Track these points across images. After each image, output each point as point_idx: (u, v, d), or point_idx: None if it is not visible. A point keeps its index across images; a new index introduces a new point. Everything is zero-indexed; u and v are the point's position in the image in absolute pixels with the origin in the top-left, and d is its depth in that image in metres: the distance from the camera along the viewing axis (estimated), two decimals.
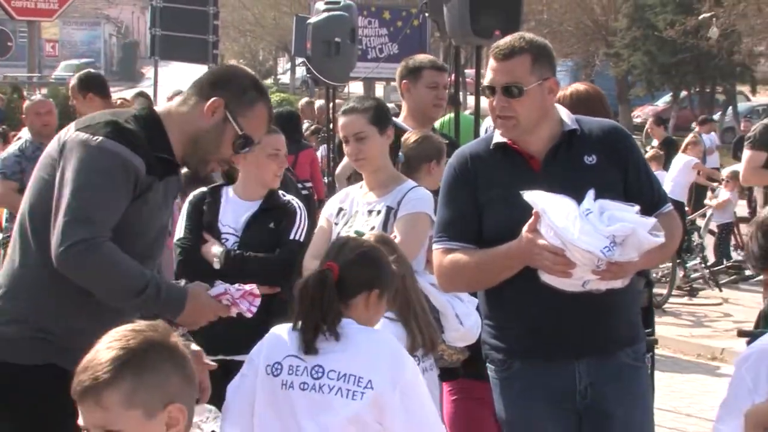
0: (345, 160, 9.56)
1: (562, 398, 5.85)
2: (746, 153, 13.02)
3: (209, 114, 5.42)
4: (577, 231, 5.41)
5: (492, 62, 5.86)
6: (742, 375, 5.99)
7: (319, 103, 23.00)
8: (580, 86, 8.23)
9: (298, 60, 40.34)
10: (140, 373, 3.33)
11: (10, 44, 38.65)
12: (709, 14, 49.76)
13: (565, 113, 5.99)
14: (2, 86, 28.59)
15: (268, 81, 76.95)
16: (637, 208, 5.56)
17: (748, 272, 19.33)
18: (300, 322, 5.10)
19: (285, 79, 74.31)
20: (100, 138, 5.17)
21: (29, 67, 29.98)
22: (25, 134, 12.57)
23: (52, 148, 5.42)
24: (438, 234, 6.01)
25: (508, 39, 5.88)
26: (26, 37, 31.22)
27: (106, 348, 3.38)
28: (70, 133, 5.32)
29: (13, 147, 11.86)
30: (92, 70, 15.06)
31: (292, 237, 7.77)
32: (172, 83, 24.38)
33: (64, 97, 12.90)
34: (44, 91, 29.71)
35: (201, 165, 5.69)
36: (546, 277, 5.58)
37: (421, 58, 9.74)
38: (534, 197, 5.47)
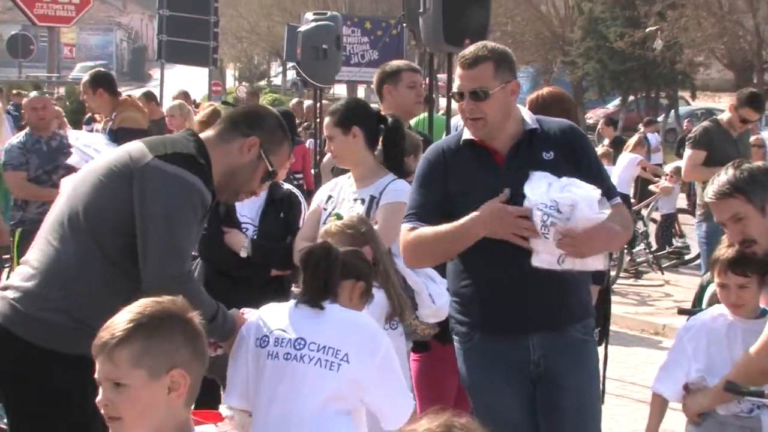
0: (328, 155, 9.59)
1: (517, 368, 5.89)
2: (687, 152, 13.09)
3: (246, 151, 5.44)
4: (530, 190, 5.60)
5: (459, 70, 5.94)
6: (684, 344, 6.07)
7: (307, 102, 22.98)
8: (556, 89, 8.52)
9: (289, 64, 40.21)
10: (151, 338, 3.38)
11: (32, 47, 38.56)
12: (654, 28, 49.94)
13: (527, 114, 6.04)
14: (25, 85, 28.42)
15: (262, 83, 76.94)
16: (599, 191, 5.66)
17: (687, 257, 19.47)
18: (302, 290, 5.15)
19: (277, 81, 74.17)
20: (182, 170, 5.15)
21: (49, 68, 29.97)
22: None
23: (118, 158, 5.33)
24: (407, 215, 6.04)
25: (472, 48, 5.94)
26: (47, 41, 31.15)
27: (127, 311, 3.45)
28: (143, 154, 5.23)
29: (14, 140, 11.65)
30: (102, 69, 14.90)
31: (300, 225, 7.76)
32: (177, 83, 24.31)
33: (80, 95, 12.82)
34: (62, 89, 29.63)
35: (232, 196, 5.74)
36: (533, 258, 5.68)
37: (397, 62, 9.70)
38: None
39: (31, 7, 24.73)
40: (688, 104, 58.69)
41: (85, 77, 13.01)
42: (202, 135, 5.52)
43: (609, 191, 6.02)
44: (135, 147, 5.35)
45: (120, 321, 3.43)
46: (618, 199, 6.08)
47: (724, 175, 5.89)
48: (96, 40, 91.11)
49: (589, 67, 55.18)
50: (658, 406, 6.24)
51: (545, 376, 5.87)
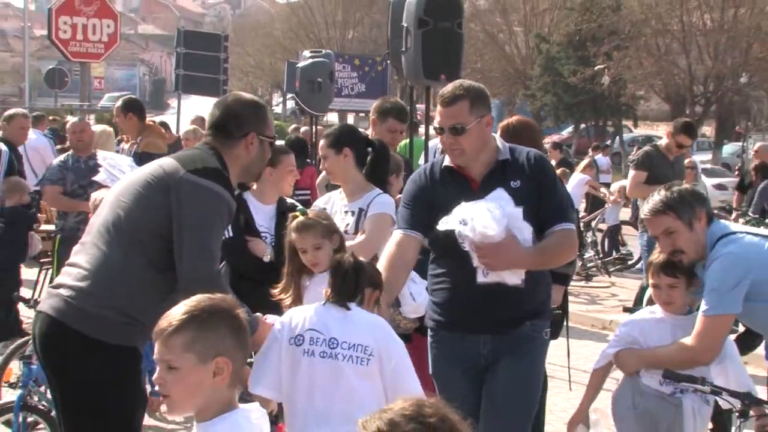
0: (323, 172, 9.63)
1: (470, 362, 5.97)
2: (631, 172, 13.19)
3: (250, 147, 5.55)
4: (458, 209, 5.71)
5: (439, 107, 5.92)
6: (625, 332, 6.12)
7: (304, 128, 22.95)
8: (524, 118, 8.59)
9: (288, 95, 40.22)
10: (201, 329, 3.47)
11: (67, 79, 38.79)
12: (602, 66, 50.03)
13: (501, 144, 6.01)
14: (60, 112, 28.50)
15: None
16: (519, 210, 5.78)
17: (630, 263, 19.56)
18: (333, 293, 5.16)
19: (277, 109, 73.96)
20: (213, 182, 5.25)
21: (81, 98, 29.77)
22: None
23: (154, 172, 5.40)
24: (399, 226, 6.14)
25: (450, 88, 5.94)
26: (79, 74, 30.97)
27: (183, 304, 3.54)
28: (176, 168, 5.31)
29: (57, 159, 11.69)
30: (133, 96, 14.99)
31: None
32: (192, 111, 24.32)
33: (108, 121, 12.77)
34: (92, 116, 29.78)
35: (255, 178, 6.02)
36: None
37: (390, 105, 9.71)
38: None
39: (66, 45, 24.65)
40: (631, 131, 58.90)
41: (119, 102, 13.12)
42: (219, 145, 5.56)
43: (562, 218, 6.01)
44: (167, 162, 5.43)
45: (176, 312, 3.50)
46: (566, 225, 6.01)
47: (657, 195, 5.98)
48: (121, 73, 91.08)
49: (546, 99, 55.37)
50: (593, 384, 6.27)
51: (493, 365, 5.91)
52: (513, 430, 6.04)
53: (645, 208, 6.08)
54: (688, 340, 5.79)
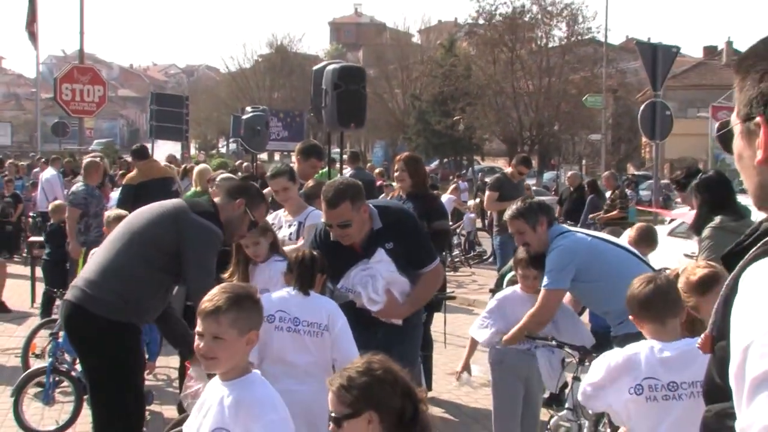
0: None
1: (373, 345, 5.76)
2: (487, 192, 13.31)
3: (237, 208, 5.53)
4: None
5: (325, 207, 5.58)
6: (493, 309, 6.15)
7: (246, 164, 22.83)
8: (411, 153, 8.71)
9: (232, 139, 40.11)
10: (240, 309, 3.42)
11: (68, 130, 38.50)
12: (458, 117, 50.68)
13: (375, 217, 5.71)
14: (64, 153, 28.08)
15: (213, 151, 76.23)
16: (386, 278, 5.65)
17: (484, 258, 19.75)
18: (297, 283, 5.08)
19: (223, 150, 73.48)
20: (211, 225, 5.34)
21: (78, 143, 29.55)
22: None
23: (166, 205, 5.48)
24: None
25: (332, 193, 5.53)
26: (77, 126, 30.58)
27: (223, 291, 3.46)
28: (184, 208, 5.40)
29: (81, 188, 11.19)
30: (140, 145, 14.69)
31: None
32: (162, 151, 24.02)
33: (90, 161, 12.39)
34: (87, 157, 29.56)
35: (230, 238, 5.70)
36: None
37: (312, 147, 9.60)
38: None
39: (68, 105, 24.66)
40: (479, 164, 59.42)
41: (132, 150, 13.44)
42: (216, 200, 5.72)
43: (428, 258, 5.91)
44: (178, 202, 5.65)
45: (221, 296, 3.42)
46: (430, 266, 5.90)
47: (515, 206, 6.11)
48: (106, 125, 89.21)
49: (419, 141, 55.80)
50: (472, 346, 6.33)
51: (381, 347, 5.84)
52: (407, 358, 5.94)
53: (507, 214, 6.19)
54: (531, 312, 5.89)
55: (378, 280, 5.62)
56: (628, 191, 18.72)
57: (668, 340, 4.06)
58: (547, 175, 49.90)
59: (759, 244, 1.55)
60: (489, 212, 13.56)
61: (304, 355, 4.97)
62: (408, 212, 6.12)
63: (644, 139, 52.48)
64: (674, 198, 28.23)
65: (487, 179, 21.89)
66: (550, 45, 53.10)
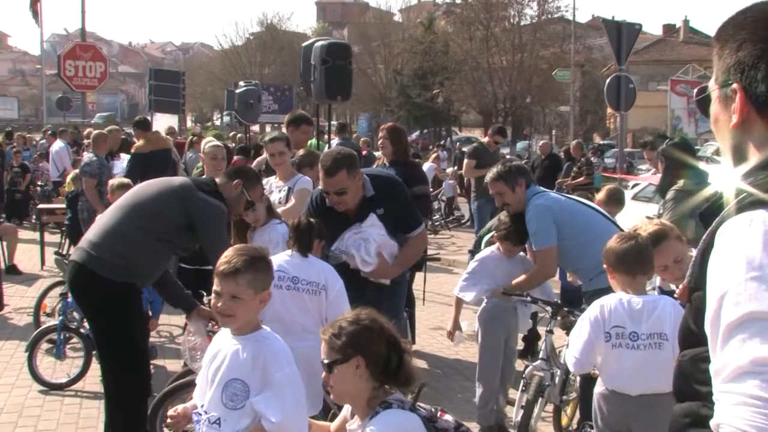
0: (256, 161, 9.82)
1: (368, 299, 5.74)
2: (466, 160, 13.27)
3: (234, 189, 5.55)
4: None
5: (323, 175, 5.55)
6: (477, 264, 6.17)
7: (239, 134, 22.74)
8: (395, 124, 8.63)
9: (226, 112, 39.95)
10: (256, 270, 3.42)
11: (72, 104, 37.97)
12: (437, 90, 50.57)
13: (368, 185, 5.69)
14: (68, 125, 27.74)
15: (208, 123, 75.82)
16: (377, 241, 5.66)
17: (462, 221, 19.77)
18: (296, 246, 5.11)
19: (216, 122, 73.05)
20: (217, 201, 5.37)
21: (82, 116, 29.34)
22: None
23: (173, 181, 5.57)
24: None
25: (329, 162, 5.52)
26: (80, 100, 30.31)
27: (240, 253, 3.44)
28: (191, 190, 5.38)
29: (92, 159, 11.07)
30: (143, 116, 14.55)
31: None
32: (161, 124, 23.77)
33: (98, 133, 12.20)
34: (88, 129, 29.39)
35: (229, 216, 5.66)
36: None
37: (300, 115, 9.55)
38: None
39: (71, 80, 24.40)
40: (457, 134, 59.23)
41: (135, 122, 13.27)
42: (217, 180, 5.70)
43: (414, 224, 5.93)
44: (185, 182, 5.59)
45: (238, 258, 3.41)
46: (416, 231, 5.92)
47: (495, 169, 6.11)
48: (107, 99, 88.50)
49: (400, 113, 55.22)
50: (458, 306, 6.35)
51: (370, 304, 5.79)
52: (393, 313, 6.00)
53: (488, 177, 6.18)
54: (534, 270, 5.98)
55: (370, 243, 5.64)
56: (593, 159, 18.76)
57: (635, 294, 4.20)
58: (520, 145, 49.70)
59: (733, 202, 1.56)
60: (467, 179, 13.46)
61: (302, 313, 4.99)
62: (397, 180, 6.08)
63: (609, 111, 52.49)
64: (637, 165, 28.37)
65: (465, 148, 21.92)
66: (522, 23, 53.11)
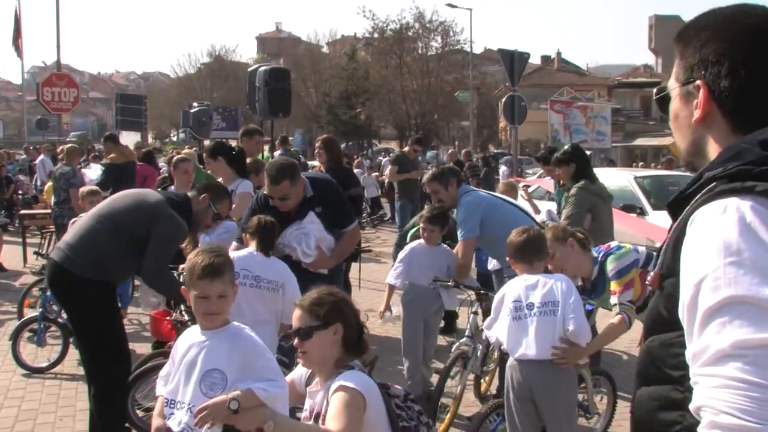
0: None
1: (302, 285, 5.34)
2: (389, 167, 13.16)
3: (203, 202, 5.09)
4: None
5: (268, 182, 5.26)
6: (406, 255, 5.98)
7: (194, 149, 22.23)
8: (330, 136, 8.37)
9: (181, 129, 39.26)
10: (230, 267, 3.10)
11: (49, 125, 37.15)
12: (359, 109, 50.64)
13: (308, 186, 5.44)
14: (47, 143, 26.96)
15: (166, 140, 74.32)
16: (316, 236, 5.39)
17: (385, 219, 19.52)
18: (259, 246, 4.78)
19: (174, 138, 71.67)
20: (181, 221, 4.90)
21: (58, 135, 28.48)
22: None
23: (146, 203, 4.94)
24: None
25: (274, 172, 5.23)
26: (56, 121, 29.48)
27: (216, 254, 3.09)
28: (162, 206, 4.89)
29: (69, 168, 10.58)
30: (112, 132, 13.81)
31: None
32: (126, 141, 23.06)
33: (71, 147, 11.51)
34: (64, 146, 28.69)
35: (197, 227, 5.31)
36: None
37: (254, 128, 9.27)
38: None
39: (48, 104, 23.79)
40: (376, 146, 59.26)
41: (104, 138, 12.44)
42: (189, 193, 5.24)
43: (348, 219, 5.66)
44: (159, 198, 5.02)
45: (216, 259, 3.05)
46: (350, 227, 5.65)
47: (431, 171, 6.01)
48: (80, 120, 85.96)
49: (329, 128, 54.47)
50: (390, 291, 6.04)
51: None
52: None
53: (424, 178, 6.08)
54: (458, 261, 5.80)
55: (310, 237, 5.38)
56: (479, 164, 18.74)
57: (533, 273, 4.22)
58: (429, 154, 49.90)
59: (703, 192, 1.38)
60: (386, 182, 13.31)
61: (261, 306, 4.68)
62: (333, 182, 5.81)
63: (501, 125, 53.34)
64: (526, 170, 28.66)
65: (381, 157, 21.73)
66: (429, 53, 53.67)
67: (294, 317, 2.91)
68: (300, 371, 3.08)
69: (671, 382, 1.40)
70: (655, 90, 1.64)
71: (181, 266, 4.68)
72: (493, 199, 5.93)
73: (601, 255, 4.75)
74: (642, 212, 10.44)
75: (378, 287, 9.88)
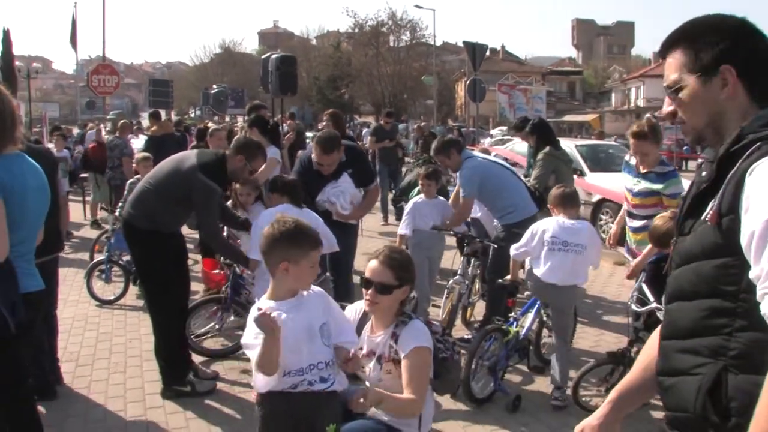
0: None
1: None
2: (368, 137, 12.79)
3: (238, 162, 4.67)
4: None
5: (320, 151, 5.04)
6: (411, 209, 5.71)
7: (210, 122, 21.81)
8: (336, 111, 7.67)
9: (198, 107, 38.58)
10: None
11: (95, 105, 36.41)
12: (344, 90, 50.00)
13: (342, 154, 5.16)
14: (93, 120, 26.24)
15: (186, 116, 72.82)
16: (350, 192, 5.24)
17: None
18: (290, 200, 4.61)
19: (192, 115, 70.18)
20: (212, 184, 4.46)
21: (102, 113, 27.92)
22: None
23: (182, 168, 4.54)
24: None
25: (327, 143, 5.01)
26: (101, 102, 28.76)
27: (312, 228, 2.60)
28: (194, 171, 4.46)
29: (120, 140, 10.42)
30: (156, 110, 13.16)
31: None
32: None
33: (114, 124, 11.12)
34: (109, 122, 28.20)
35: (239, 180, 5.06)
36: None
37: (260, 103, 8.93)
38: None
39: (96, 89, 23.17)
40: (357, 120, 58.26)
41: (148, 115, 11.96)
42: (227, 152, 4.79)
43: (371, 179, 5.53)
44: (193, 163, 4.57)
45: (315, 232, 2.57)
46: (371, 186, 5.49)
47: (435, 144, 5.66)
48: (117, 101, 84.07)
49: (319, 106, 53.78)
50: (400, 240, 5.65)
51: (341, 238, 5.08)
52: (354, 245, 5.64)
53: (431, 150, 5.73)
54: (457, 213, 5.61)
55: (346, 194, 5.28)
56: (455, 134, 18.59)
57: (567, 219, 4.46)
58: (400, 126, 49.72)
59: (751, 149, 1.38)
60: (371, 150, 12.68)
61: None
62: (360, 149, 5.79)
63: (459, 103, 53.06)
64: (480, 139, 28.46)
65: (363, 129, 21.29)
66: (400, 45, 53.20)
67: (372, 269, 2.60)
68: (354, 311, 2.77)
69: (723, 295, 1.39)
70: (667, 84, 1.58)
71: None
72: (490, 163, 5.73)
73: (672, 169, 4.66)
74: (581, 173, 10.45)
75: (370, 234, 9.85)
